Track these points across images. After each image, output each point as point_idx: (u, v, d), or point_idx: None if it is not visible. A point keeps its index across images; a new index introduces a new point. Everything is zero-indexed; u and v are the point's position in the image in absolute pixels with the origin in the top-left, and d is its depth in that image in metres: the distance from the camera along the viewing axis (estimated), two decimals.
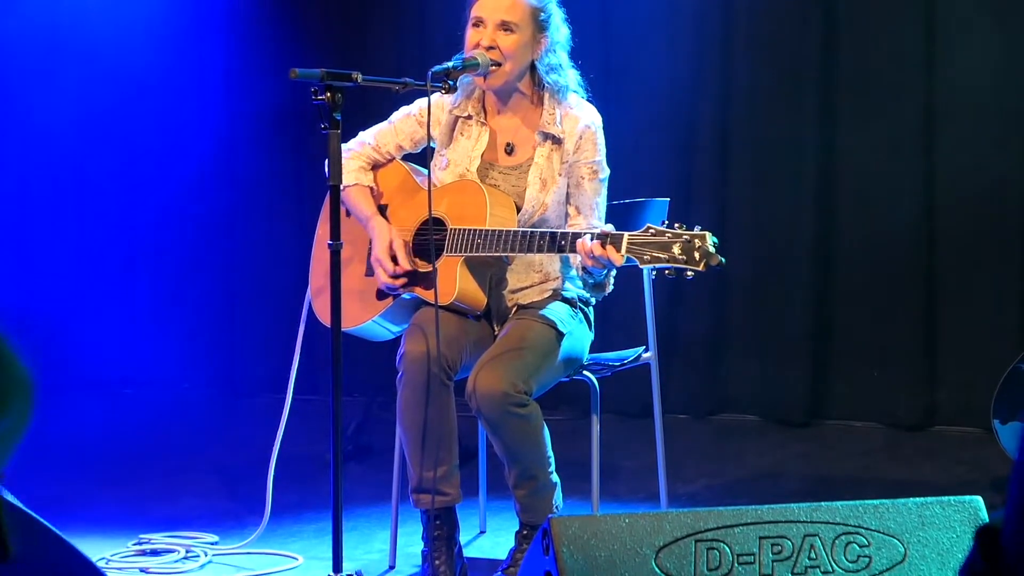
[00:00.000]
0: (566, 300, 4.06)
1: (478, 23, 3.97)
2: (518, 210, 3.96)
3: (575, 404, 5.78)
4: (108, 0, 6.33)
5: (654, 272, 3.58)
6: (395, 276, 3.97)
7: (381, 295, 4.06)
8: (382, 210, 4.13)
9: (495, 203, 3.92)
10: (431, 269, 3.88)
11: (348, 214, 4.13)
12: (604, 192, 4.03)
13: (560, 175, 3.99)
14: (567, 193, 4.02)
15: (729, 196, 5.94)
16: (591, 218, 3.97)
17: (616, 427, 5.62)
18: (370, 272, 4.09)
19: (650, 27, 5.93)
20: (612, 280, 3.88)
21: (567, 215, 4.02)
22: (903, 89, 5.69)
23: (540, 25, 3.98)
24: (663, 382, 4.48)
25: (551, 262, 4.04)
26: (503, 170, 4.04)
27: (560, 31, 4.03)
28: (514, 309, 4.05)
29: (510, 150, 4.05)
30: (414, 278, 4.00)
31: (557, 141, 3.99)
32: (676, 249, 3.50)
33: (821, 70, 5.77)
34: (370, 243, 4.10)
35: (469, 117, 4.07)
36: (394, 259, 3.98)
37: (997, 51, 5.54)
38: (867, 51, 5.73)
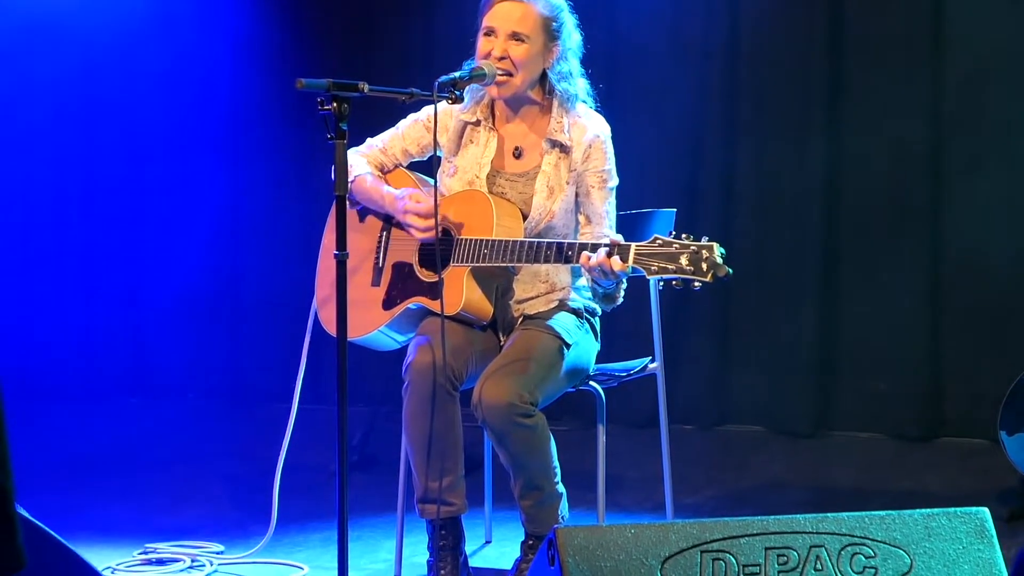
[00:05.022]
0: (572, 310, 4.06)
1: (489, 32, 3.97)
2: (525, 217, 3.96)
3: (581, 414, 5.77)
4: (112, 7, 6.33)
5: (661, 283, 3.57)
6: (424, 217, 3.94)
7: (387, 305, 4.05)
8: (388, 220, 4.12)
9: (502, 213, 3.92)
10: (437, 279, 3.88)
11: (359, 209, 4.12)
12: (613, 201, 4.03)
13: (568, 183, 3.99)
14: (577, 203, 4.02)
15: (735, 207, 5.94)
16: (602, 227, 3.97)
17: (622, 437, 5.60)
18: (376, 282, 4.08)
19: (656, 37, 5.94)
20: (623, 291, 3.88)
21: (578, 224, 4.02)
22: (908, 104, 5.68)
23: (552, 34, 3.98)
24: (669, 393, 4.48)
25: (557, 272, 4.04)
26: (510, 177, 4.03)
27: (572, 38, 4.03)
28: (520, 319, 4.04)
29: (518, 154, 4.05)
30: (420, 287, 3.99)
31: (565, 149, 3.99)
32: (684, 260, 3.50)
33: (828, 82, 5.76)
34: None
35: (477, 123, 4.07)
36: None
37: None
38: (874, 62, 5.73)
